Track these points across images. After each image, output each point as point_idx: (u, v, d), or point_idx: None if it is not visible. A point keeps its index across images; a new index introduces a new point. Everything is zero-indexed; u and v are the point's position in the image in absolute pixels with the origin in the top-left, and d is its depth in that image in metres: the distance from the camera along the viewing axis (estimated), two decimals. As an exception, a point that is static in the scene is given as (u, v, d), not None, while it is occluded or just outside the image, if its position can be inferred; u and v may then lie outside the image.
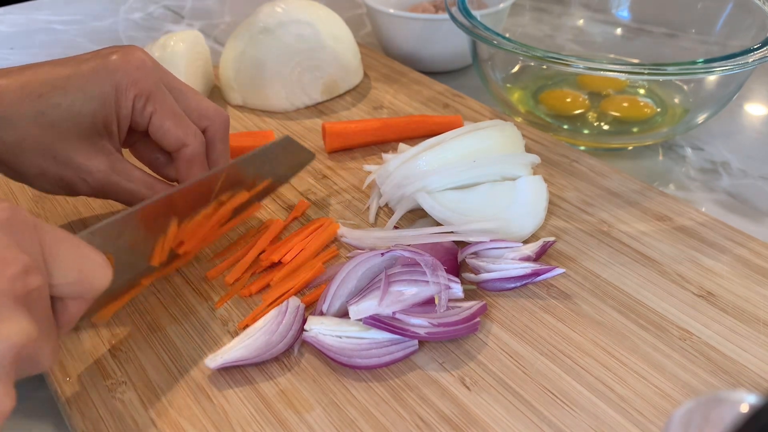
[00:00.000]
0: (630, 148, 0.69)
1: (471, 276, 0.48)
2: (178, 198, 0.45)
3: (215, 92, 0.75)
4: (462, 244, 0.50)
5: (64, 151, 0.45)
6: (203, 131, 0.50)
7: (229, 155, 0.52)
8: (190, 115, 0.49)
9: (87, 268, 0.34)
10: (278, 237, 0.52)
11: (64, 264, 0.33)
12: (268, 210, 0.56)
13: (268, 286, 0.48)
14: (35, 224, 0.32)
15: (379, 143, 0.65)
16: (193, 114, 0.50)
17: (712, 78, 0.65)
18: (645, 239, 0.52)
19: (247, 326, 0.44)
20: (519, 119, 0.71)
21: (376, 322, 0.42)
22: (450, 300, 0.44)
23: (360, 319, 0.42)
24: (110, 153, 0.47)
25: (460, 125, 0.65)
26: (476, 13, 0.69)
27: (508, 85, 0.74)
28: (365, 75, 0.78)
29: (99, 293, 0.35)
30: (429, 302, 0.44)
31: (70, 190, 0.47)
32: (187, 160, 0.49)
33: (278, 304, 0.44)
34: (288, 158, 0.55)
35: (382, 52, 0.86)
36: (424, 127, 0.65)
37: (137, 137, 0.51)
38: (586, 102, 0.72)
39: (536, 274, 0.47)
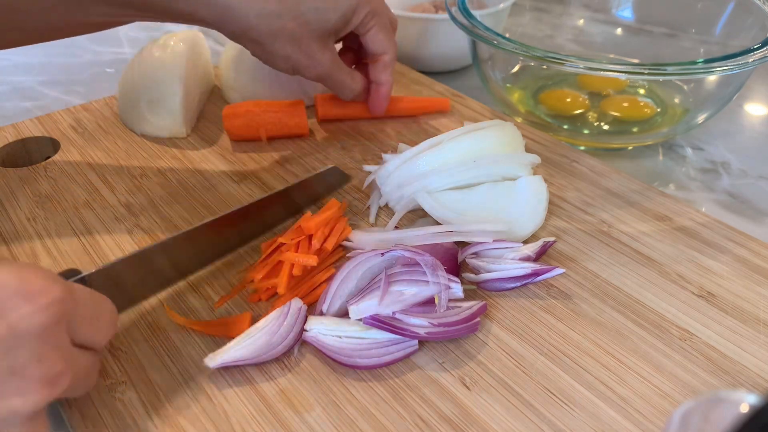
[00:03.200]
0: (630, 148, 0.69)
1: (471, 276, 0.48)
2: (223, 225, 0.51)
3: (215, 92, 0.75)
4: (462, 244, 0.50)
5: (308, 43, 0.56)
6: None
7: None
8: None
9: (101, 325, 0.36)
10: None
11: (85, 326, 0.35)
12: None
13: (275, 294, 0.47)
14: (67, 300, 0.33)
15: (369, 119, 0.69)
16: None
17: (712, 78, 0.65)
18: (645, 239, 0.52)
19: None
20: (519, 119, 0.71)
21: (376, 322, 0.42)
22: (450, 300, 0.44)
23: (360, 319, 0.42)
24: (334, 50, 0.59)
25: (446, 109, 0.70)
26: (476, 13, 0.69)
27: (508, 85, 0.74)
28: (365, 75, 0.78)
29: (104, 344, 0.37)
30: (429, 302, 0.44)
31: (298, 72, 0.58)
32: (384, 65, 0.62)
33: (281, 305, 0.44)
34: (329, 184, 0.59)
35: (382, 52, 0.86)
36: (413, 104, 0.70)
37: (347, 38, 0.63)
38: (586, 102, 0.72)
39: (536, 274, 0.47)
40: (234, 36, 0.55)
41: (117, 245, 0.52)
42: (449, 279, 0.44)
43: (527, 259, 0.49)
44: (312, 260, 0.46)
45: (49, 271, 0.33)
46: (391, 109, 0.69)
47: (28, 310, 0.30)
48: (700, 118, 0.66)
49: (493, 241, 0.49)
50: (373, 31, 0.60)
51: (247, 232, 0.53)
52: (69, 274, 0.42)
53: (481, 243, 0.48)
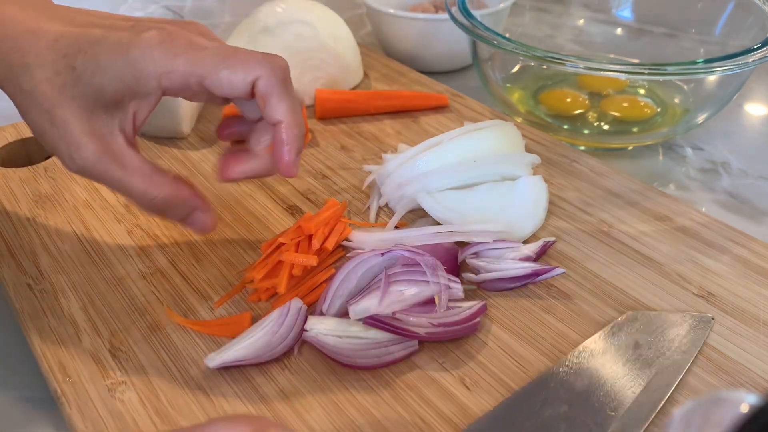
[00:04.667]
0: (630, 148, 0.69)
1: (471, 276, 0.48)
2: None
3: (215, 92, 0.75)
4: (462, 244, 0.50)
5: (61, 118, 0.41)
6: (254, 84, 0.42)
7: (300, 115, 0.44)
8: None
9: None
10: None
11: None
12: (268, 209, 0.56)
13: (276, 294, 0.47)
14: None
15: (366, 114, 0.69)
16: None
17: (712, 78, 0.65)
18: (645, 239, 0.52)
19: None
20: (519, 119, 0.71)
21: (376, 322, 0.42)
22: (450, 300, 0.44)
23: (360, 319, 0.42)
24: (109, 134, 0.42)
25: (446, 103, 0.71)
26: (476, 13, 0.69)
27: (508, 85, 0.74)
28: (365, 75, 0.78)
29: None
30: (429, 302, 0.44)
31: (61, 159, 0.42)
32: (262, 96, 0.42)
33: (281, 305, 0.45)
34: None
35: (382, 52, 0.86)
36: (412, 100, 0.70)
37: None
38: (586, 102, 0.72)
39: (536, 274, 0.47)
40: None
41: (117, 245, 0.52)
42: (449, 279, 0.44)
43: (527, 259, 0.49)
44: (312, 260, 0.46)
45: None
46: (389, 105, 0.69)
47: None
48: (700, 118, 0.66)
49: (493, 241, 0.49)
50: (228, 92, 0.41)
51: None
52: None
53: (481, 243, 0.48)
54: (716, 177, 0.66)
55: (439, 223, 0.51)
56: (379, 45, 0.87)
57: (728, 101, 0.66)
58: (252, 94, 0.42)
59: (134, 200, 0.43)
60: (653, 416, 0.38)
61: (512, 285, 0.47)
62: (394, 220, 0.53)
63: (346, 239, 0.51)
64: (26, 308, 0.46)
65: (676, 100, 0.72)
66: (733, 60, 0.57)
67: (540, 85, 0.75)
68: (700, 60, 0.58)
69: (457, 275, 0.48)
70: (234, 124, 0.47)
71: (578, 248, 0.52)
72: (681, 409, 0.31)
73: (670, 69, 0.57)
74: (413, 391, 0.41)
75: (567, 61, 0.58)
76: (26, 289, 0.48)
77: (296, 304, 0.44)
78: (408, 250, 0.45)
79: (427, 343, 0.44)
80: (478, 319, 0.44)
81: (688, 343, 0.43)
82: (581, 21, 0.86)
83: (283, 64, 0.42)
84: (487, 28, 0.63)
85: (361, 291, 0.44)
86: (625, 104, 0.72)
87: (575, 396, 0.39)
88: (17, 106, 0.42)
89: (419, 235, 0.49)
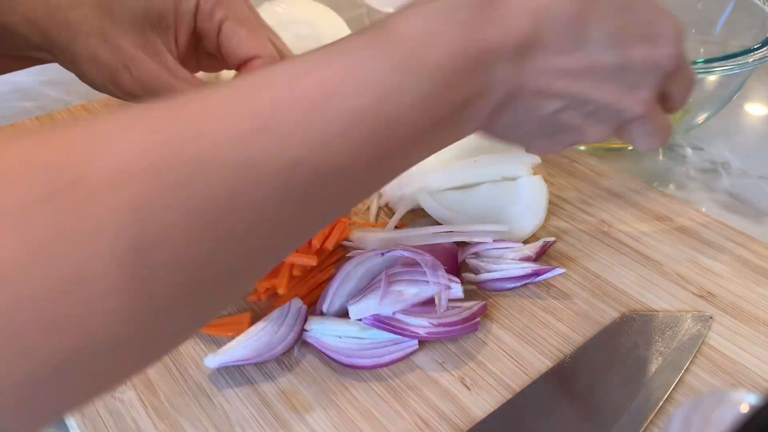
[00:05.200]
0: (630, 148, 0.69)
1: (471, 276, 0.48)
2: None
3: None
4: (462, 244, 0.50)
5: (114, 35, 0.42)
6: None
7: None
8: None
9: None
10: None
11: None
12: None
13: (276, 294, 0.47)
14: None
15: None
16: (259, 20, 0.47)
17: (712, 78, 0.65)
18: (645, 239, 0.52)
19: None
20: (519, 119, 0.70)
21: (376, 322, 0.42)
22: (450, 300, 0.44)
23: (360, 319, 0.42)
24: (160, 51, 0.44)
25: None
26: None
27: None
28: (365, 75, 0.78)
29: None
30: (429, 302, 0.44)
31: (115, 81, 0.43)
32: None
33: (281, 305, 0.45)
34: None
35: (382, 52, 0.86)
36: None
37: (201, 53, 0.48)
38: (586, 102, 0.72)
39: (536, 274, 0.47)
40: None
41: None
42: (449, 279, 0.44)
43: (527, 259, 0.49)
44: (312, 260, 0.46)
45: None
46: None
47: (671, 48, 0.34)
48: (700, 118, 0.66)
49: (493, 241, 0.49)
50: (225, 27, 0.45)
51: None
52: None
53: (481, 243, 0.48)
54: (716, 177, 0.66)
55: (439, 223, 0.51)
56: (379, 45, 0.87)
57: (728, 101, 0.66)
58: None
59: None
60: (653, 416, 0.38)
61: (512, 285, 0.47)
62: (394, 220, 0.53)
63: (346, 239, 0.51)
64: (26, 308, 0.46)
65: (676, 100, 0.72)
66: (733, 60, 0.57)
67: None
68: (700, 60, 0.58)
69: (457, 275, 0.48)
70: None
71: (578, 248, 0.52)
72: (681, 409, 0.31)
73: (670, 69, 0.57)
74: (413, 391, 0.41)
75: (567, 61, 0.58)
76: (26, 289, 0.48)
77: (296, 304, 0.44)
78: (408, 250, 0.45)
79: (427, 343, 0.44)
80: (478, 319, 0.44)
81: (687, 342, 0.43)
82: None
83: None
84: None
85: (361, 291, 0.44)
86: (625, 104, 0.72)
87: (575, 396, 0.39)
88: (61, 43, 0.43)
89: (419, 235, 0.49)
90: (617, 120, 0.35)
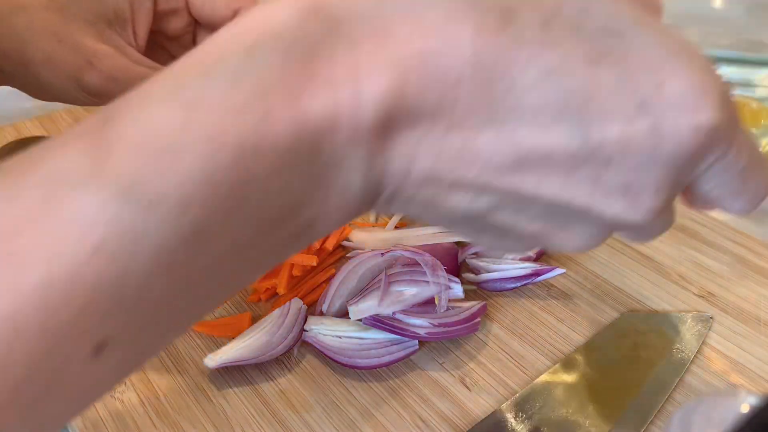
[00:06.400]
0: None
1: (471, 276, 0.48)
2: None
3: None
4: (462, 244, 0.50)
5: (69, 35, 0.40)
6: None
7: None
8: None
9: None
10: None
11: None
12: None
13: (276, 294, 0.47)
14: None
15: None
16: None
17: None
18: (645, 239, 0.52)
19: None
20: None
21: (376, 322, 0.42)
22: (450, 300, 0.44)
23: (360, 319, 0.42)
24: (121, 46, 0.41)
25: None
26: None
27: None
28: (365, 75, 0.78)
29: None
30: (429, 302, 0.44)
31: (79, 81, 0.40)
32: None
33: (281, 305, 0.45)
34: None
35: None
36: None
37: (163, 40, 0.46)
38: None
39: (536, 274, 0.47)
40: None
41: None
42: (449, 279, 0.44)
43: (527, 259, 0.49)
44: (312, 260, 0.46)
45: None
46: None
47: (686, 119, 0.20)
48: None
49: (493, 241, 0.49)
50: None
51: None
52: None
53: (481, 243, 0.48)
54: (716, 177, 0.66)
55: (439, 223, 0.51)
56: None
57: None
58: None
59: None
60: (653, 416, 0.38)
61: (512, 285, 0.47)
62: (394, 220, 0.53)
63: (346, 239, 0.51)
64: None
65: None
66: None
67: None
68: None
69: (457, 275, 0.48)
70: None
71: (578, 248, 0.51)
72: (681, 409, 0.31)
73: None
74: (413, 391, 0.41)
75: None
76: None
77: (296, 304, 0.44)
78: (408, 250, 0.45)
79: (427, 343, 0.44)
80: (478, 319, 0.44)
81: (688, 342, 0.43)
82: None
83: None
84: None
85: (361, 291, 0.44)
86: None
87: (574, 397, 0.39)
88: (11, 52, 0.40)
89: (419, 235, 0.49)
90: (604, 224, 0.22)
